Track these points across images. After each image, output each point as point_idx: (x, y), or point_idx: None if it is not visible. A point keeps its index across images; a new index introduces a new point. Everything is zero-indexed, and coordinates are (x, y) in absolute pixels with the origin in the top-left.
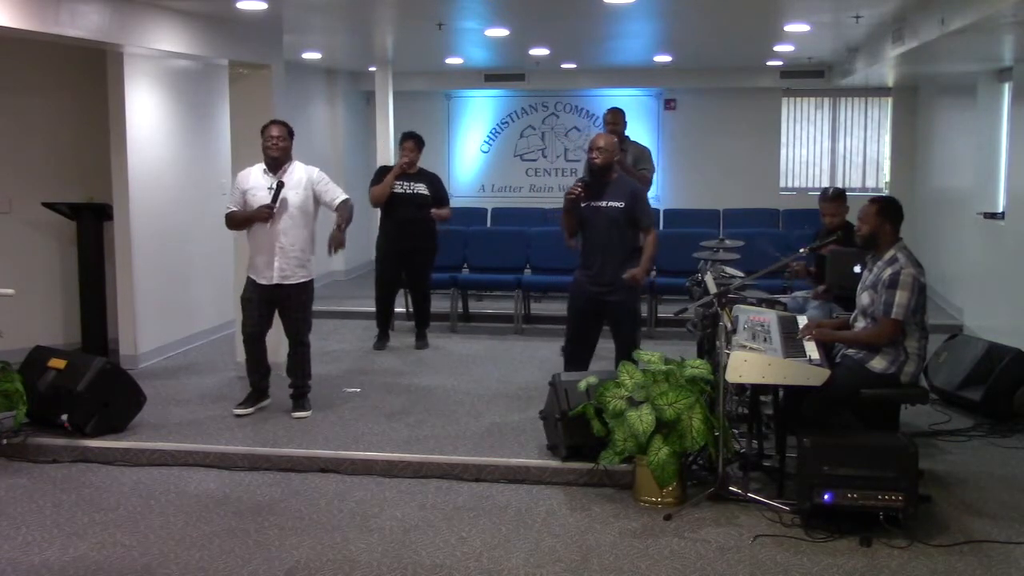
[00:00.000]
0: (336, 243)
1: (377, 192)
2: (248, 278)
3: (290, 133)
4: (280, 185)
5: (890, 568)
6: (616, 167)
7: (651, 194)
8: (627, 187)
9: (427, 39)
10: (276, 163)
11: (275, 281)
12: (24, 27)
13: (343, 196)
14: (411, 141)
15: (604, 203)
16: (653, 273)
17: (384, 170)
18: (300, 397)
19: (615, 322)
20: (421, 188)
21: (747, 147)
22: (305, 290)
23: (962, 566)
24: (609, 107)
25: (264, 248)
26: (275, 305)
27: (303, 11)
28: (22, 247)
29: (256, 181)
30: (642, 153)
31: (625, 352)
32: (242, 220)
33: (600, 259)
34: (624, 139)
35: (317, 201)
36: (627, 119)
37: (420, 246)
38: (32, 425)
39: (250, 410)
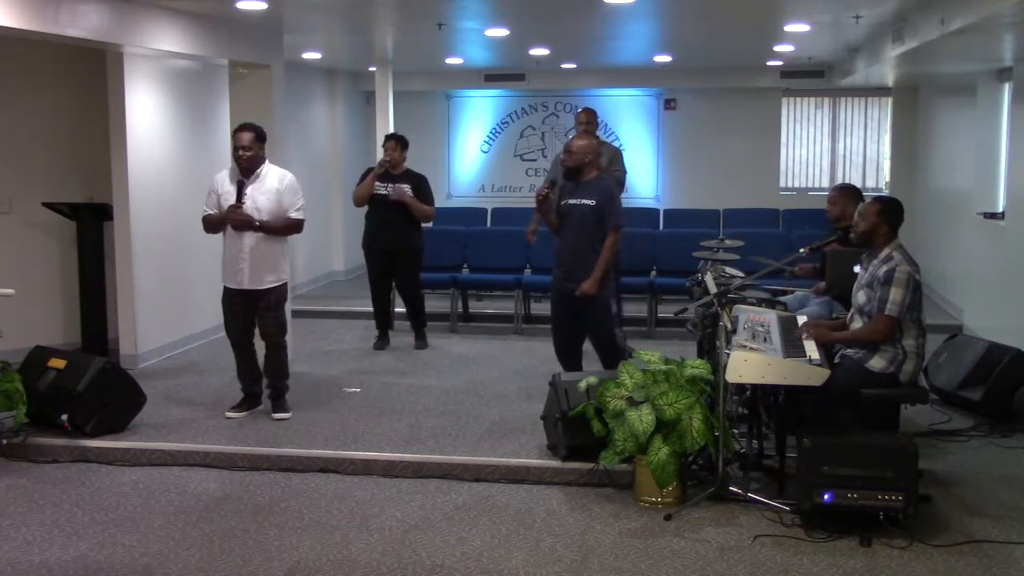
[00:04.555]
0: (234, 220)
1: (357, 193)
2: (223, 284)
3: (259, 138)
4: (241, 183)
5: (890, 568)
6: (592, 168)
7: (650, 194)
8: (601, 186)
9: (427, 39)
10: (247, 171)
11: (245, 286)
12: (24, 27)
13: (299, 215)
14: (392, 141)
15: (577, 201)
16: (654, 273)
17: (369, 171)
18: (279, 398)
19: (588, 318)
20: (406, 189)
21: (747, 147)
22: (275, 292)
23: (962, 566)
24: (583, 107)
25: (232, 253)
26: (251, 307)
27: (303, 11)
28: (22, 247)
29: (227, 187)
30: (615, 155)
31: (603, 348)
32: (216, 222)
33: (571, 256)
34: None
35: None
36: (626, 119)
37: (404, 247)
38: (32, 425)
39: (243, 414)
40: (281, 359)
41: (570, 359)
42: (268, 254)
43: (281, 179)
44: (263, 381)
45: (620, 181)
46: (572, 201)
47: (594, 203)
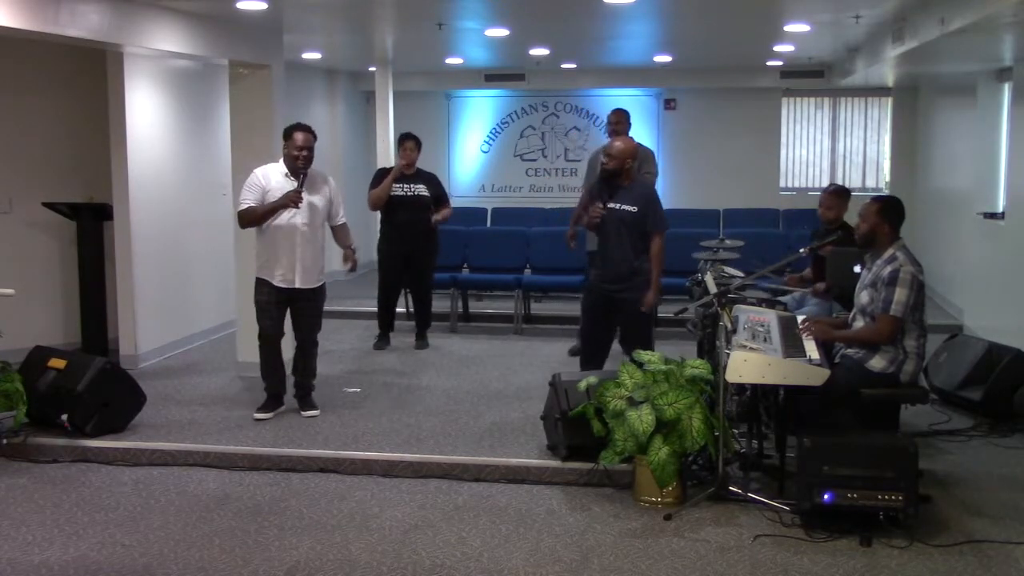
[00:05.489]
0: (354, 262)
1: (376, 195)
2: (262, 281)
3: (314, 138)
4: (304, 177)
5: (890, 568)
6: (631, 172)
7: None
8: (641, 192)
9: (427, 39)
10: (301, 172)
11: (297, 285)
12: (24, 27)
13: (344, 216)
14: (411, 141)
15: (617, 205)
16: None
17: (383, 172)
18: (308, 396)
19: (626, 321)
20: (421, 189)
21: (747, 147)
22: (322, 292)
23: (962, 566)
24: (614, 108)
25: (288, 251)
26: (288, 307)
27: (303, 11)
28: (22, 247)
29: (279, 183)
30: (646, 156)
31: (639, 349)
32: (264, 212)
33: (612, 261)
34: None
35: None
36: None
37: (421, 248)
38: (32, 425)
39: (270, 415)
40: (315, 358)
41: (597, 359)
42: (318, 254)
43: (326, 180)
44: (286, 381)
45: (651, 183)
46: (611, 205)
47: (636, 209)
